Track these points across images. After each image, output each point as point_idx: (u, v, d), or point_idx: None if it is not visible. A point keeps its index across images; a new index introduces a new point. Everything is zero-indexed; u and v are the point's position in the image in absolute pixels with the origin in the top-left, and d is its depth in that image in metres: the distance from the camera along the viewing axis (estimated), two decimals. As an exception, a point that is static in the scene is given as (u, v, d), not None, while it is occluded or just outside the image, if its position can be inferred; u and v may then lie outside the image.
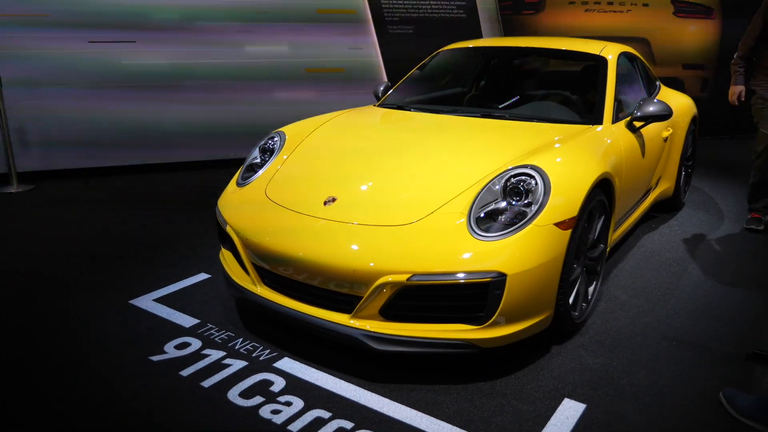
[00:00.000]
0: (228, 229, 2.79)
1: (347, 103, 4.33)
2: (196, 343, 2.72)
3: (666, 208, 4.63)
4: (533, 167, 2.52)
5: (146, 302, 3.11)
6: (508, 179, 2.50)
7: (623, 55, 3.94)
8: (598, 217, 2.84)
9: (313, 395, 2.34)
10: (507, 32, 6.93)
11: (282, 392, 2.36)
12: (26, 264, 3.65)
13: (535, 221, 2.36)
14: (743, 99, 4.23)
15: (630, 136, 3.34)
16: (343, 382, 2.43)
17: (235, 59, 5.96)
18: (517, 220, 2.38)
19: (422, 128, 3.41)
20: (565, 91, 3.83)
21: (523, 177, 2.49)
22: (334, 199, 2.63)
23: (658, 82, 4.57)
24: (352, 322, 2.38)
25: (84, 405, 2.29)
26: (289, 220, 2.61)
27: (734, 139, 7.59)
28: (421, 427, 2.17)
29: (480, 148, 2.98)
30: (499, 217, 2.41)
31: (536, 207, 2.40)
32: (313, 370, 2.51)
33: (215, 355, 2.62)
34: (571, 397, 2.35)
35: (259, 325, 2.86)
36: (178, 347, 2.69)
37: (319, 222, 2.53)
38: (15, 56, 5.32)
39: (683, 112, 4.44)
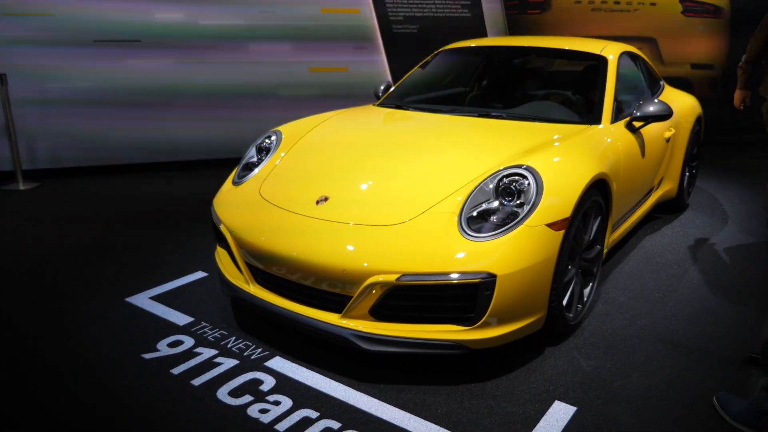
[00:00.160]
0: (222, 227, 2.79)
1: (350, 102, 4.32)
2: (189, 342, 2.72)
3: (669, 209, 4.58)
4: (526, 167, 2.50)
5: (142, 300, 3.13)
6: (501, 179, 2.48)
7: (625, 55, 3.90)
8: (593, 218, 2.81)
9: (302, 395, 2.34)
10: (512, 32, 6.89)
11: (271, 391, 2.36)
12: (26, 261, 3.68)
13: (527, 222, 2.34)
14: (748, 104, 4.15)
15: (629, 137, 3.31)
16: (332, 381, 2.43)
17: (239, 59, 5.97)
18: (509, 220, 2.36)
19: (419, 128, 3.39)
20: (566, 91, 3.80)
21: (516, 177, 2.47)
22: (326, 199, 2.62)
23: (662, 82, 4.52)
24: (342, 321, 2.38)
25: (73, 402, 2.30)
26: (281, 219, 2.61)
27: (742, 139, 7.50)
28: (408, 428, 2.16)
29: (475, 147, 2.96)
30: (491, 217, 2.39)
31: (528, 207, 2.38)
32: (304, 369, 2.51)
33: (207, 353, 2.63)
34: (562, 399, 2.33)
35: (252, 324, 2.86)
36: (171, 345, 2.69)
37: (310, 221, 2.53)
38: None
39: (687, 112, 4.39)
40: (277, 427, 2.15)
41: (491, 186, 2.48)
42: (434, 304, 2.33)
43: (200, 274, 3.45)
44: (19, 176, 5.35)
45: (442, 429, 2.15)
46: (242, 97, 6.04)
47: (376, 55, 6.39)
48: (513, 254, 2.28)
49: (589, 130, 3.13)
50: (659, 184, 4.11)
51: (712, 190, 5.32)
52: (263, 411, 2.24)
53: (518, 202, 2.41)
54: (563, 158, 2.74)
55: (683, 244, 3.98)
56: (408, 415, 2.23)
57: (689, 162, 4.53)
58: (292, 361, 2.56)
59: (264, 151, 3.22)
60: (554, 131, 3.10)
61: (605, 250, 3.12)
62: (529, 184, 2.44)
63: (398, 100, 3.88)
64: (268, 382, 2.42)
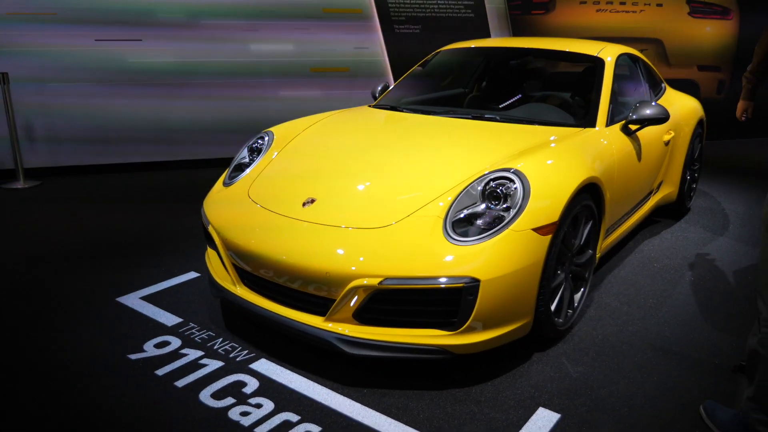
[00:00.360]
0: (210, 228, 2.79)
1: (352, 102, 4.31)
2: (175, 342, 2.72)
3: (670, 213, 4.52)
4: (513, 171, 2.47)
5: (133, 300, 3.13)
6: (488, 182, 2.46)
7: (624, 57, 3.86)
8: (584, 222, 2.78)
9: (285, 398, 2.33)
10: (516, 32, 6.85)
11: (254, 394, 2.35)
12: (23, 259, 3.69)
13: (512, 226, 2.31)
14: (750, 116, 3.94)
15: (625, 140, 3.27)
16: (316, 384, 2.41)
17: (240, 57, 5.98)
18: (495, 224, 2.33)
19: (411, 130, 3.37)
20: (563, 93, 3.76)
21: (503, 181, 2.45)
22: (313, 201, 2.61)
23: (663, 84, 4.47)
24: (325, 324, 2.36)
25: (53, 401, 2.30)
26: (267, 220, 2.60)
27: (749, 142, 7.42)
28: (388, 433, 2.14)
29: (466, 150, 2.94)
30: (477, 221, 2.36)
31: (514, 211, 2.35)
32: (288, 372, 2.50)
33: (193, 354, 2.62)
34: (546, 406, 2.30)
35: (240, 326, 2.85)
36: (158, 346, 2.69)
37: (296, 223, 2.52)
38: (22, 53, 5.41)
39: (688, 115, 4.33)
40: (257, 430, 2.14)
41: (479, 189, 2.45)
42: (417, 309, 2.31)
43: (192, 275, 3.45)
44: (20, 174, 5.38)
45: (423, 435, 2.14)
46: (243, 91, 6.05)
47: (377, 55, 6.37)
48: (497, 259, 2.26)
49: (583, 133, 3.10)
50: (658, 188, 4.06)
51: (716, 194, 5.25)
52: (244, 414, 2.23)
53: (505, 206, 2.38)
54: (554, 161, 2.70)
55: (682, 249, 3.93)
56: (389, 419, 2.21)
57: (690, 165, 4.47)
58: (278, 364, 2.55)
59: (255, 152, 3.22)
60: (548, 134, 3.07)
61: (598, 255, 3.08)
62: (516, 188, 2.41)
63: (394, 102, 3.86)
64: (252, 384, 2.41)
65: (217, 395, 2.34)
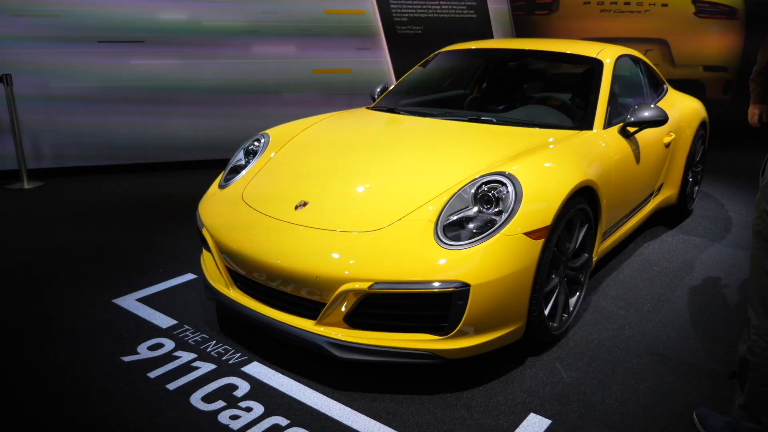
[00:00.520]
0: (204, 231, 2.79)
1: (354, 104, 4.30)
2: (169, 345, 2.73)
3: (672, 215, 4.48)
4: (506, 174, 2.45)
5: (128, 302, 3.14)
6: (480, 186, 2.44)
7: (624, 58, 3.83)
8: (579, 226, 2.75)
9: (275, 401, 2.33)
10: (519, 33, 6.81)
11: (244, 397, 2.35)
12: (20, 261, 3.72)
13: (504, 230, 2.29)
14: (765, 120, 3.77)
15: (622, 142, 3.24)
16: (307, 388, 2.41)
17: (242, 59, 5.99)
18: (486, 228, 2.32)
19: (407, 132, 3.36)
20: (562, 95, 3.74)
21: (495, 184, 2.43)
22: (305, 204, 2.60)
23: (665, 86, 4.43)
24: (316, 328, 2.36)
25: (50, 405, 2.31)
26: (260, 223, 2.60)
27: (754, 143, 7.33)
28: (377, 438, 2.13)
29: (460, 153, 2.92)
30: (468, 225, 2.35)
31: (506, 215, 2.33)
32: (280, 375, 2.50)
33: (186, 357, 2.63)
34: (537, 412, 2.28)
35: (233, 329, 2.85)
36: (151, 348, 2.70)
37: (288, 226, 2.51)
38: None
39: (690, 117, 4.29)
40: (246, 434, 2.15)
41: (471, 193, 2.44)
42: (408, 313, 2.30)
43: (189, 277, 3.46)
44: (23, 175, 5.41)
45: (411, 440, 2.13)
46: (245, 95, 6.06)
47: (379, 56, 6.36)
48: (488, 263, 2.24)
49: (579, 136, 3.07)
50: (659, 191, 4.03)
51: (719, 196, 5.20)
52: (234, 417, 2.23)
53: (496, 209, 2.37)
54: (547, 165, 2.68)
55: (682, 253, 3.90)
56: (379, 424, 2.20)
57: (692, 167, 4.43)
58: (269, 367, 2.55)
59: (251, 154, 3.22)
60: (544, 136, 3.05)
61: (595, 258, 3.06)
62: (508, 191, 2.39)
63: (392, 103, 3.85)
64: (243, 387, 2.41)
65: (208, 398, 2.34)
